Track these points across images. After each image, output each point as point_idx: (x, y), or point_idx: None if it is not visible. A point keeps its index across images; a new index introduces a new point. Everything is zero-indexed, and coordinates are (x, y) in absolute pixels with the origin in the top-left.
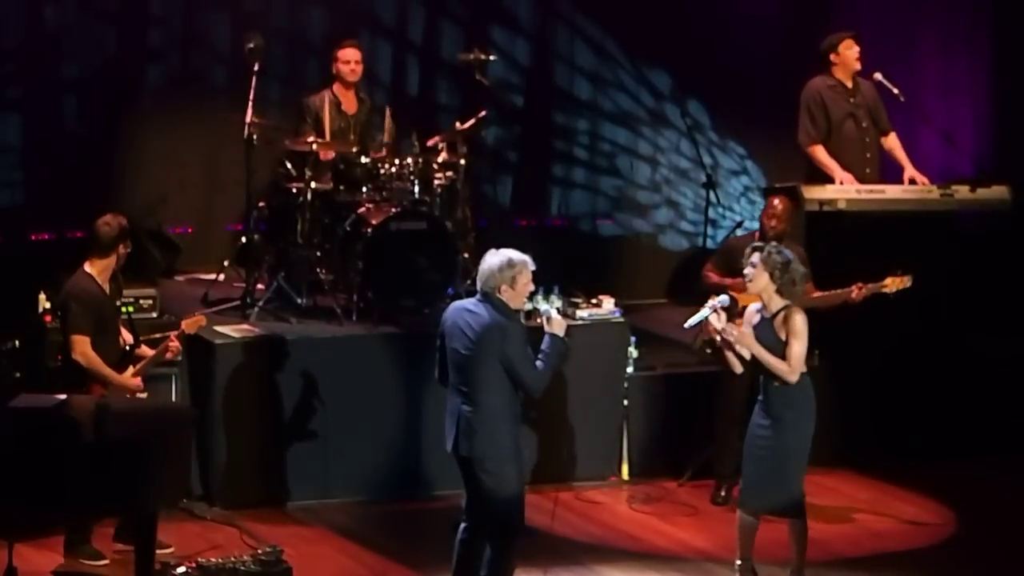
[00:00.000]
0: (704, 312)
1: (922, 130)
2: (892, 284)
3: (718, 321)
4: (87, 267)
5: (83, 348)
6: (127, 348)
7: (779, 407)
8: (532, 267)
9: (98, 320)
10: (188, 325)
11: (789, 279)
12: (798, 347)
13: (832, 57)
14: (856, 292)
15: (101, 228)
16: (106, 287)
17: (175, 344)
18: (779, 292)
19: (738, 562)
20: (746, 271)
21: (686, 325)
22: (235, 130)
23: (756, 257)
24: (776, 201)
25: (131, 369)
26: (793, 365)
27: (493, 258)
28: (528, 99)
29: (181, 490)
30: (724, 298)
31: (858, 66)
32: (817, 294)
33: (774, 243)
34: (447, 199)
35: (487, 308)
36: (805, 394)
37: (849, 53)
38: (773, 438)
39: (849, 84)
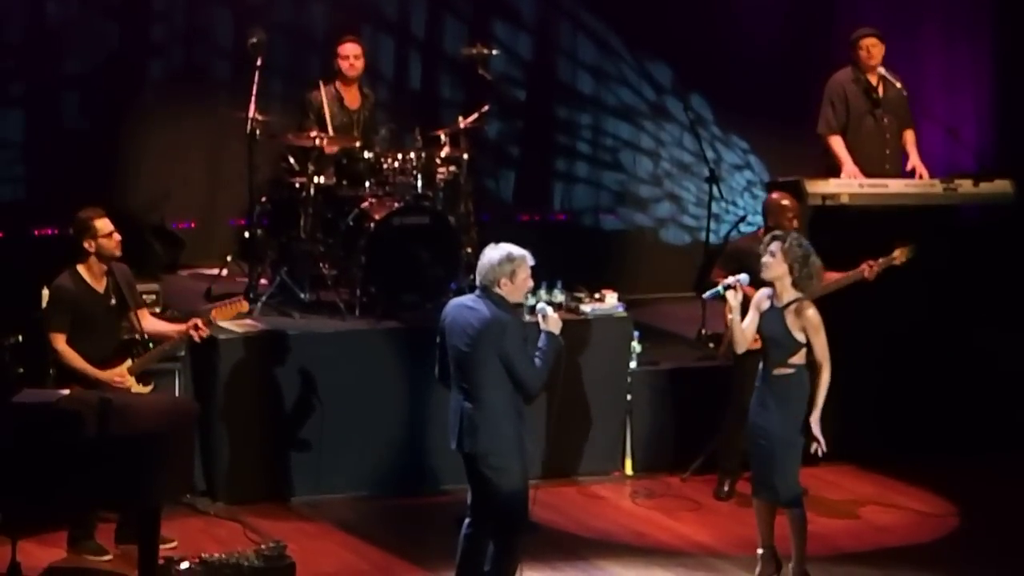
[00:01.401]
0: (720, 288)
1: (925, 124)
2: (900, 255)
3: (734, 299)
4: (77, 266)
5: (56, 344)
6: (136, 337)
7: (777, 397)
8: (531, 262)
9: (76, 317)
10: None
11: (807, 273)
12: (821, 341)
13: (852, 53)
14: (868, 270)
15: (71, 234)
16: (97, 284)
17: (203, 331)
18: (795, 284)
19: (759, 551)
20: (764, 259)
21: (704, 296)
22: (238, 125)
23: (776, 246)
24: (787, 201)
25: (128, 362)
26: (824, 360)
27: (492, 252)
28: (530, 93)
29: (184, 485)
30: (744, 276)
31: (872, 64)
32: (832, 278)
33: (795, 233)
34: (450, 194)
35: (486, 304)
36: (803, 386)
37: (861, 53)
38: (768, 428)
39: (873, 79)
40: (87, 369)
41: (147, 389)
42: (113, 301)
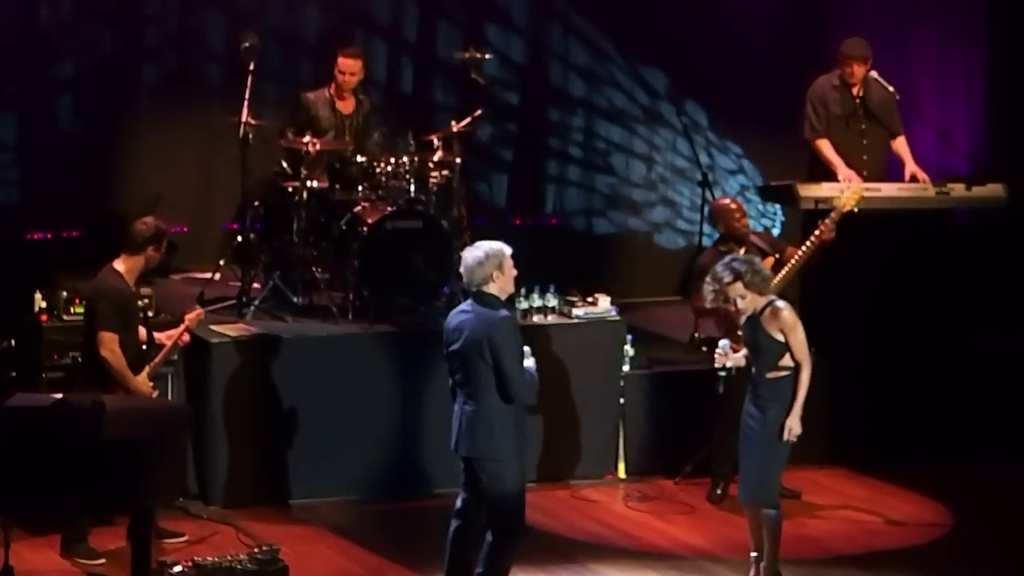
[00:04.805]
0: (723, 374)
1: (918, 128)
2: (846, 200)
3: (739, 359)
4: (116, 264)
5: (112, 345)
6: (143, 346)
7: (767, 399)
8: (509, 250)
9: (124, 319)
10: (191, 320)
11: (752, 280)
12: (797, 340)
13: (839, 62)
14: (824, 229)
15: (136, 226)
16: (133, 286)
17: (186, 337)
18: (759, 293)
19: (752, 554)
20: (737, 307)
21: (720, 391)
22: (230, 129)
23: (716, 289)
24: (732, 204)
25: (146, 369)
26: (803, 359)
27: (473, 253)
28: (523, 97)
29: (177, 489)
30: (724, 343)
31: (852, 82)
32: (795, 258)
33: (717, 266)
34: (442, 198)
35: (478, 306)
36: (792, 388)
37: (846, 69)
38: (759, 429)
39: (855, 88)
40: (127, 375)
41: (155, 394)
42: (141, 303)
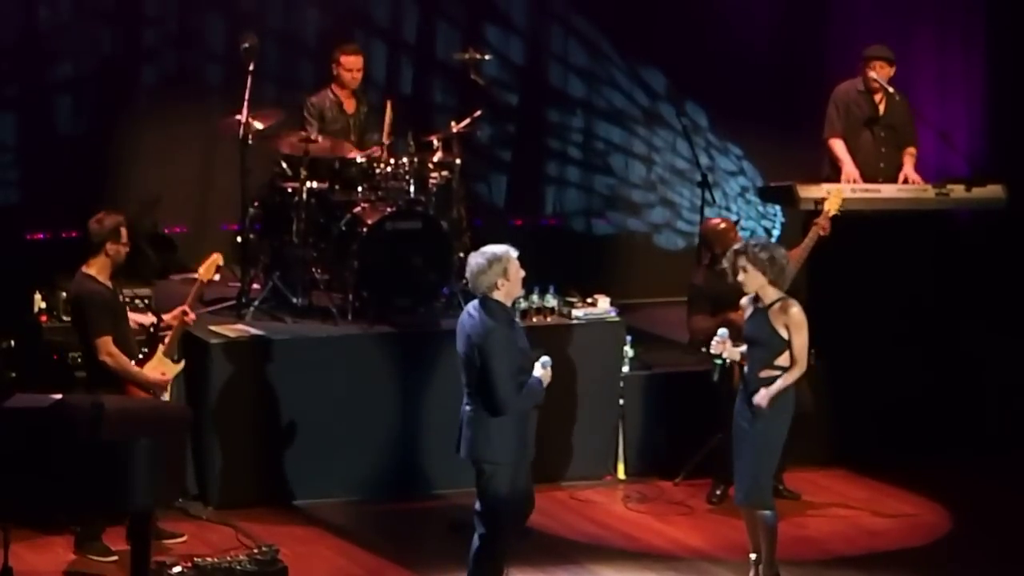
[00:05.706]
0: (718, 362)
1: (917, 128)
2: (829, 205)
3: (736, 352)
4: (85, 269)
5: (108, 348)
6: (151, 329)
7: None
8: (515, 252)
9: (111, 317)
10: (203, 273)
11: (779, 269)
12: (800, 340)
13: (860, 67)
14: (822, 224)
15: (91, 227)
16: (109, 284)
17: (191, 316)
18: (773, 284)
19: (752, 556)
20: (739, 277)
21: (715, 379)
22: (230, 129)
23: (743, 260)
24: (723, 225)
25: (160, 348)
26: (799, 359)
27: (478, 259)
28: (522, 98)
29: (176, 489)
30: (723, 332)
31: (874, 86)
32: (795, 254)
33: (750, 241)
34: (442, 198)
35: (482, 311)
36: (787, 389)
37: (870, 73)
38: (750, 430)
39: (877, 95)
40: (135, 372)
41: (180, 365)
42: (121, 298)
